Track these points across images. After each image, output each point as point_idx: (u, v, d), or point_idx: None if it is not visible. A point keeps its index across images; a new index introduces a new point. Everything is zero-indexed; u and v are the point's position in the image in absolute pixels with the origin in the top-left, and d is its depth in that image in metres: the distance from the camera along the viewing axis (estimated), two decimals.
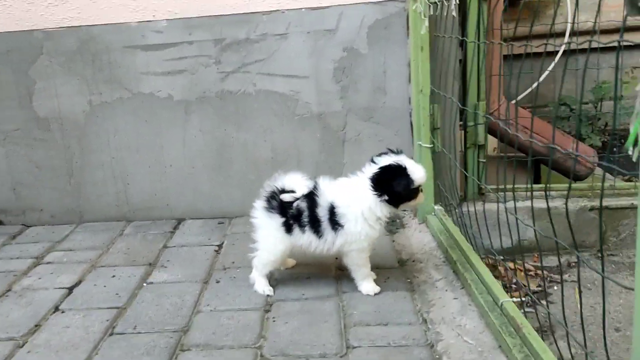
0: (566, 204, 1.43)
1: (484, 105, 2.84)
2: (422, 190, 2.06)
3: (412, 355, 1.70)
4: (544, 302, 2.45)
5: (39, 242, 2.81)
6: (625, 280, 2.67)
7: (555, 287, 2.69)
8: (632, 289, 1.01)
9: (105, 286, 2.27)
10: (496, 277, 2.05)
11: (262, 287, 2.17)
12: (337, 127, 2.96)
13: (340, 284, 2.20)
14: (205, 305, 2.09)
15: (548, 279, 2.76)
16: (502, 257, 2.05)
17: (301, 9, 2.82)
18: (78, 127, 2.97)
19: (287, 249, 2.13)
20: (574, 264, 2.90)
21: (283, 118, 2.95)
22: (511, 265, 2.65)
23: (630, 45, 4.05)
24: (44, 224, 3.07)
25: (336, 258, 2.29)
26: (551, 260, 2.91)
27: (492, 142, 3.34)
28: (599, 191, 3.02)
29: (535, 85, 3.93)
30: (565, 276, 2.75)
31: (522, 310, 2.05)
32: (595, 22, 1.32)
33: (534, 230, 1.66)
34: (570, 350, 1.56)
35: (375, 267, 2.26)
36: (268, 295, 2.14)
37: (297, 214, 2.05)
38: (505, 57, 2.94)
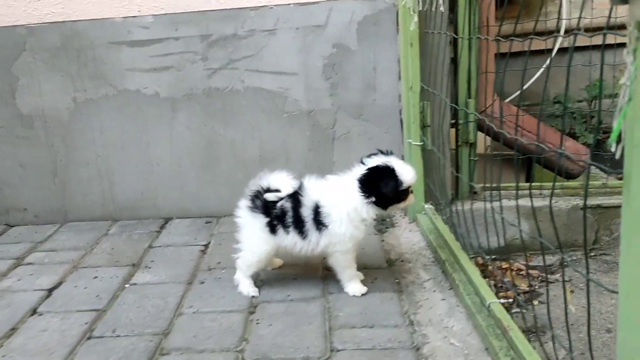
0: (550, 203, 1.39)
1: (474, 102, 2.80)
2: (412, 192, 2.01)
3: (398, 358, 1.66)
4: (535, 302, 2.42)
5: (21, 242, 2.76)
6: (617, 280, 2.63)
7: (546, 288, 2.65)
8: (616, 292, 0.97)
9: (86, 288, 2.22)
10: (487, 277, 2.01)
11: (247, 288, 2.12)
12: (327, 125, 2.91)
13: (327, 285, 2.15)
14: (188, 307, 2.04)
15: (539, 278, 2.72)
16: (491, 257, 2.01)
17: (290, 4, 2.77)
18: (62, 124, 2.91)
19: (272, 249, 2.08)
20: (565, 263, 2.87)
21: (271, 115, 2.91)
22: (502, 265, 2.62)
23: (623, 43, 4.02)
24: (27, 224, 3.01)
25: (324, 258, 2.25)
26: (542, 260, 2.87)
27: (487, 142, 3.30)
28: (591, 189, 2.98)
29: (529, 83, 3.92)
30: (557, 275, 2.71)
31: (512, 312, 2.02)
32: (579, 18, 1.27)
33: (519, 230, 1.61)
34: (555, 354, 1.52)
35: (363, 267, 2.22)
36: (253, 297, 2.09)
37: (281, 214, 2.00)
38: (502, 55, 2.90)
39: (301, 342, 1.77)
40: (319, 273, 2.25)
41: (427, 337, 1.76)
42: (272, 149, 2.94)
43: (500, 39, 1.82)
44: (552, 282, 2.68)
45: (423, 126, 2.70)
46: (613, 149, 0.85)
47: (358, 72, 2.85)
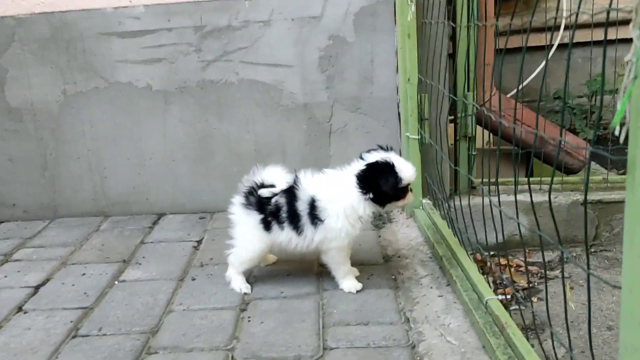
0: (549, 198, 1.33)
1: (472, 96, 2.74)
2: (411, 190, 1.95)
3: (392, 356, 1.60)
4: (534, 299, 2.36)
5: (9, 238, 2.69)
6: (619, 276, 2.58)
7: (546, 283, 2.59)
8: (619, 287, 0.91)
9: (73, 285, 2.16)
10: (485, 273, 1.95)
11: (239, 284, 2.06)
12: (323, 118, 2.86)
13: (322, 282, 2.09)
14: (178, 305, 1.98)
15: (538, 275, 2.66)
16: (490, 253, 1.95)
17: None
18: (52, 117, 2.85)
19: (266, 247, 2.03)
20: (565, 259, 2.81)
21: (267, 109, 2.85)
22: (502, 261, 2.56)
23: (626, 39, 3.97)
24: (17, 220, 2.94)
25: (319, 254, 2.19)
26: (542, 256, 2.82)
27: (486, 137, 3.24)
28: (591, 185, 2.93)
29: (528, 79, 3.86)
30: (557, 272, 2.66)
31: (511, 309, 1.96)
32: (577, 13, 1.21)
33: (518, 225, 1.56)
34: (555, 352, 1.46)
35: (360, 264, 2.17)
36: (245, 294, 2.04)
37: (276, 210, 1.94)
38: (500, 51, 2.83)
39: (293, 340, 1.71)
40: (313, 269, 2.19)
41: (423, 334, 1.70)
42: (268, 142, 2.88)
43: (498, 25, 1.76)
44: (551, 279, 2.63)
45: (421, 119, 2.64)
46: (617, 132, 0.78)
47: (355, 64, 2.78)
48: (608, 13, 1.11)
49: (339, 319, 1.83)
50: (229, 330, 1.79)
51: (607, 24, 1.05)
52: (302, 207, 1.92)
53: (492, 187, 1.88)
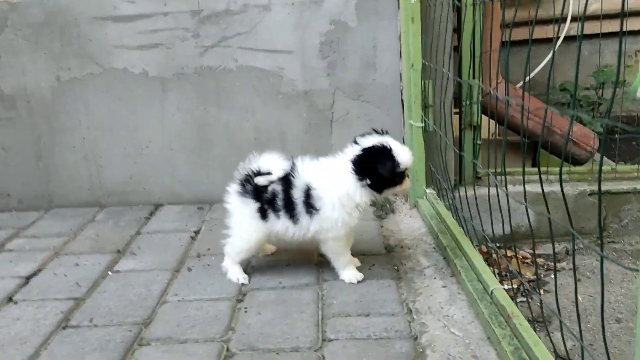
0: (561, 185, 1.26)
1: (478, 83, 2.67)
2: (408, 176, 1.87)
3: (393, 348, 1.53)
4: (540, 291, 2.29)
5: (2, 229, 2.62)
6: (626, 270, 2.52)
7: (553, 275, 2.52)
8: (637, 270, 0.84)
9: (65, 275, 2.09)
10: (491, 265, 1.88)
11: (236, 275, 2.00)
12: (324, 106, 2.78)
13: (322, 272, 2.03)
14: (173, 295, 1.91)
15: (545, 267, 2.59)
16: (496, 245, 1.88)
17: None
18: (46, 105, 2.78)
19: (263, 236, 1.96)
20: (572, 251, 2.74)
21: (266, 96, 2.77)
22: (507, 253, 2.49)
23: (634, 31, 3.90)
24: (11, 210, 2.88)
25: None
26: (548, 248, 2.75)
27: (491, 129, 3.17)
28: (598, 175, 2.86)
29: (534, 72, 3.78)
30: (563, 264, 2.59)
31: (517, 301, 1.89)
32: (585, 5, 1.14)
33: (527, 212, 1.48)
34: (564, 342, 1.39)
35: (361, 254, 2.10)
36: (242, 284, 1.97)
37: (272, 198, 1.87)
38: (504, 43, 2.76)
39: (291, 331, 1.64)
40: (313, 259, 2.12)
41: (425, 325, 1.64)
42: (267, 131, 2.80)
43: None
44: (558, 271, 2.56)
45: (425, 106, 2.57)
46: (638, 95, 0.71)
47: (357, 50, 2.71)
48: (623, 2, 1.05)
49: (338, 309, 1.76)
50: (224, 321, 1.72)
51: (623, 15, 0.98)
52: (297, 194, 1.85)
53: (499, 178, 1.81)
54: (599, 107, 4.20)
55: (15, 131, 2.81)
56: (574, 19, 3.71)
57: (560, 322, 1.33)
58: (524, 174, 1.65)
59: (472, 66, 2.66)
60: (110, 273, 2.11)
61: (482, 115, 2.77)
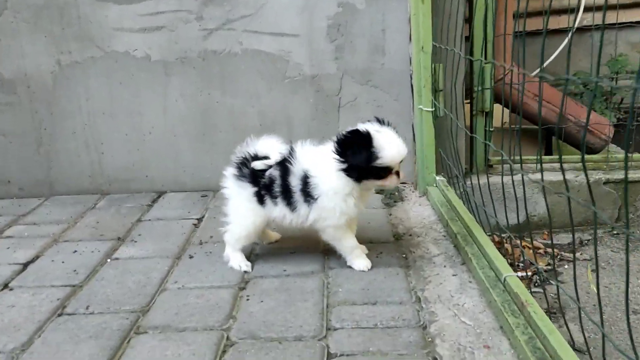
0: (585, 173, 1.18)
1: (490, 68, 2.58)
2: (396, 173, 1.73)
3: (401, 337, 1.45)
4: (553, 282, 2.21)
5: (2, 215, 2.56)
6: None
7: (567, 266, 2.45)
8: None
9: (63, 262, 2.03)
10: (503, 255, 1.81)
11: (239, 262, 1.93)
12: (332, 91, 2.70)
13: (328, 260, 1.95)
14: (173, 283, 1.85)
15: (558, 257, 2.51)
16: (509, 235, 1.80)
17: None
18: (46, 89, 2.71)
19: (261, 221, 1.89)
20: (586, 241, 2.66)
21: (272, 81, 2.70)
22: (521, 243, 2.41)
23: None
24: (12, 197, 2.82)
25: None
26: (562, 238, 2.68)
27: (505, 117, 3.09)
28: (613, 163, 2.80)
29: (547, 62, 3.69)
30: (577, 254, 2.51)
31: (530, 291, 1.81)
32: None
33: (544, 194, 1.40)
34: (583, 331, 1.31)
35: (369, 242, 2.04)
36: (245, 272, 1.90)
37: (269, 184, 1.80)
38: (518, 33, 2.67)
39: (295, 319, 1.57)
40: (320, 247, 2.04)
41: (435, 314, 1.56)
42: (273, 117, 2.73)
43: None
44: (569, 261, 2.48)
45: (435, 91, 2.49)
46: None
47: (365, 34, 2.63)
48: None
49: (344, 298, 1.69)
50: (225, 309, 1.66)
51: None
52: (295, 182, 1.76)
53: (515, 165, 1.73)
54: (613, 96, 4.11)
55: (15, 117, 2.75)
56: (587, 9, 3.64)
57: (580, 308, 1.25)
58: (541, 160, 1.58)
59: (484, 50, 2.57)
60: (109, 260, 2.04)
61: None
